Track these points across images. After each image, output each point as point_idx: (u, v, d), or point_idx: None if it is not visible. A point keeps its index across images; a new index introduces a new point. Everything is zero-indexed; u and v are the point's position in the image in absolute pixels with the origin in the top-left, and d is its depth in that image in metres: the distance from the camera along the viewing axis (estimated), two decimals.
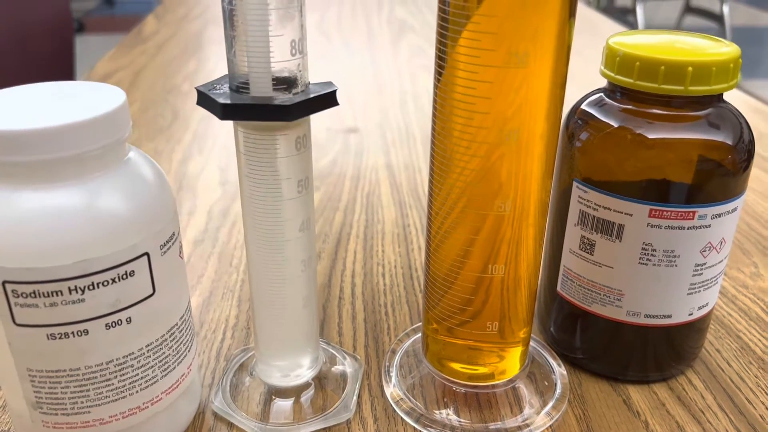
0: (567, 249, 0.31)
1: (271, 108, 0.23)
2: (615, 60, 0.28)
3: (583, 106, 0.31)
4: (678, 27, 3.08)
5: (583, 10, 1.10)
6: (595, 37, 0.94)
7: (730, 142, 0.29)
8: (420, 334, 0.34)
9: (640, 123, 0.28)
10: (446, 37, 0.24)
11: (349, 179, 0.53)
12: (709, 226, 0.29)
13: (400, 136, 0.62)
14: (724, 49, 0.28)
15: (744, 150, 0.29)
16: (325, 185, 0.52)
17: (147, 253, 0.24)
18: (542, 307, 0.35)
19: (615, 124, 0.29)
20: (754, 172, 0.54)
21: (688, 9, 3.03)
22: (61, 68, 1.09)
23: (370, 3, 1.14)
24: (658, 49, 0.28)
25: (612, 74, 0.29)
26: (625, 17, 3.16)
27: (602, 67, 0.30)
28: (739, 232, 0.45)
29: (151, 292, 0.25)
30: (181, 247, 0.27)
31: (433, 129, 0.27)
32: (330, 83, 0.26)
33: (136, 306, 0.24)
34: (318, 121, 0.65)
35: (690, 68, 0.27)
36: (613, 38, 0.30)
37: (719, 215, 0.28)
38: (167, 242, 0.25)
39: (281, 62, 0.24)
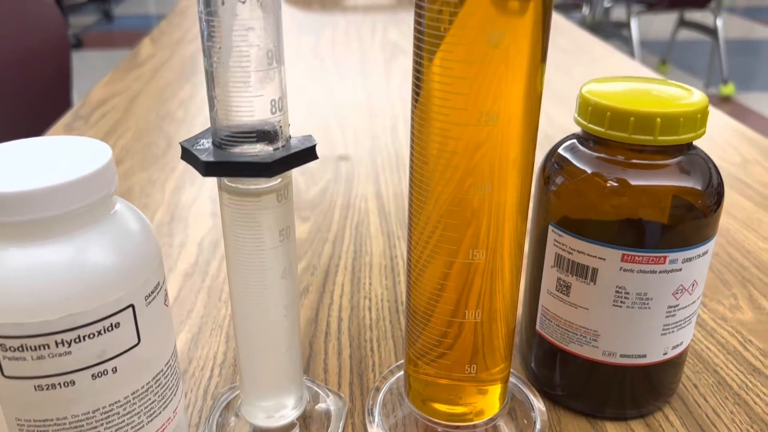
0: (545, 289, 0.32)
1: (252, 165, 0.24)
2: (587, 109, 0.29)
3: (560, 150, 0.32)
4: (672, 40, 3.10)
5: (572, 31, 1.12)
6: (584, 56, 0.95)
7: (699, 188, 0.29)
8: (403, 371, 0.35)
9: (613, 169, 0.29)
10: (421, 71, 0.25)
11: (338, 209, 0.54)
12: (681, 269, 0.29)
13: (390, 162, 0.63)
14: (692, 99, 0.29)
15: (713, 194, 0.30)
16: (315, 215, 0.53)
17: (132, 305, 0.25)
18: (524, 343, 0.36)
19: (589, 170, 0.30)
20: (737, 199, 0.55)
21: (682, 23, 3.06)
22: (59, 89, 1.10)
23: (364, 26, 1.16)
24: (629, 99, 0.29)
25: (585, 123, 0.30)
26: (619, 31, 3.18)
27: (576, 115, 0.31)
28: (719, 262, 0.46)
29: (136, 341, 0.25)
30: (166, 294, 0.27)
31: (412, 155, 0.27)
32: (310, 137, 0.27)
33: (121, 356, 0.25)
34: None
35: (658, 119, 0.28)
36: (586, 86, 0.31)
37: (690, 259, 0.29)
38: (152, 292, 0.26)
39: (262, 119, 0.25)
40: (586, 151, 0.31)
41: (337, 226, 0.51)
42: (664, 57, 3.18)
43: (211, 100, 0.25)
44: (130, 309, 0.25)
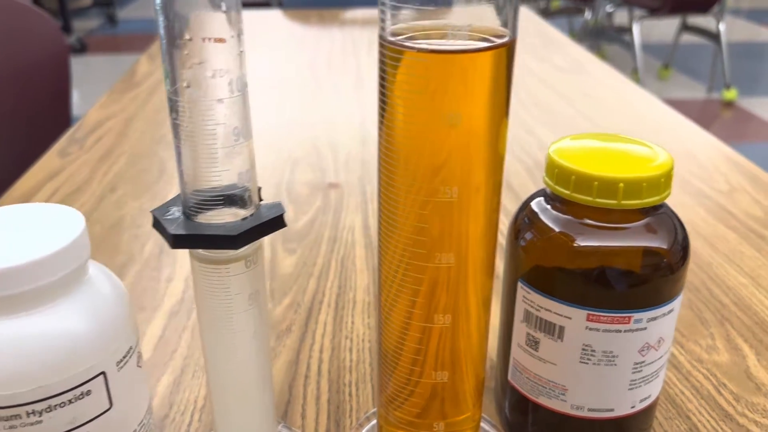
0: (515, 342, 0.33)
1: (219, 238, 0.25)
2: (554, 171, 0.30)
3: (532, 204, 0.33)
4: (675, 45, 3.10)
5: (568, 47, 1.12)
6: (579, 75, 0.96)
7: (665, 247, 0.30)
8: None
9: (579, 229, 0.30)
10: (386, 95, 0.25)
11: (325, 242, 0.54)
12: (646, 328, 0.30)
13: (378, 191, 0.63)
14: (657, 162, 0.29)
15: (678, 252, 0.30)
16: (301, 248, 0.53)
17: (103, 372, 0.26)
18: (498, 390, 0.36)
19: (556, 229, 0.30)
20: (721, 231, 0.55)
21: (685, 27, 3.05)
22: (59, 105, 1.11)
23: (361, 40, 1.16)
24: (594, 161, 0.29)
25: (552, 184, 0.30)
26: (621, 36, 3.18)
27: (544, 175, 0.31)
28: (699, 299, 0.47)
29: (108, 406, 0.26)
30: (139, 356, 0.28)
31: (379, 181, 0.27)
32: (278, 205, 0.27)
33: (93, 421, 0.26)
34: (301, 174, 0.66)
35: (621, 184, 0.28)
36: (554, 145, 0.31)
37: (655, 318, 0.30)
38: (124, 357, 0.27)
39: (230, 191, 0.25)
40: (554, 209, 0.31)
41: (323, 260, 0.52)
42: (666, 61, 3.18)
43: (180, 172, 0.26)
44: (102, 376, 0.26)
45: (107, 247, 0.53)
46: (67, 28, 3.50)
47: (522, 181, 0.64)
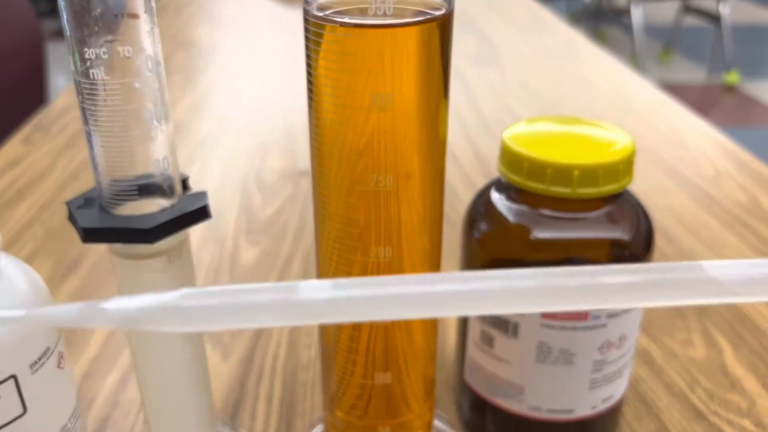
0: (471, 340, 0.31)
1: (132, 231, 0.23)
2: (506, 158, 0.28)
3: (487, 193, 0.31)
4: (676, 27, 3.06)
5: (561, 31, 1.09)
6: (570, 59, 0.93)
7: (627, 238, 0.28)
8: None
9: (535, 220, 0.28)
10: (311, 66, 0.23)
11: (292, 231, 0.52)
12: (605, 325, 0.28)
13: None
14: (616, 148, 0.27)
15: (641, 243, 0.28)
16: (266, 239, 0.51)
17: (14, 376, 0.24)
18: (458, 389, 0.35)
19: (511, 220, 0.28)
20: (704, 219, 0.53)
21: (687, 9, 3.00)
22: (33, 88, 1.09)
23: None
24: (548, 146, 0.27)
25: (505, 171, 0.28)
26: (621, 18, 3.14)
27: (498, 162, 0.29)
28: None
29: (21, 411, 0.24)
30: (60, 356, 0.26)
31: (312, 168, 0.25)
32: (203, 195, 0.25)
33: (4, 428, 0.24)
34: (273, 161, 0.64)
35: (576, 172, 0.26)
36: (509, 129, 0.29)
37: (615, 314, 0.28)
38: (39, 359, 0.25)
39: (146, 180, 0.23)
40: (509, 198, 0.29)
41: (288, 251, 0.50)
42: (667, 44, 3.13)
43: (93, 160, 0.24)
44: (12, 380, 0.24)
45: (64, 237, 0.51)
46: (55, 12, 3.45)
47: None
